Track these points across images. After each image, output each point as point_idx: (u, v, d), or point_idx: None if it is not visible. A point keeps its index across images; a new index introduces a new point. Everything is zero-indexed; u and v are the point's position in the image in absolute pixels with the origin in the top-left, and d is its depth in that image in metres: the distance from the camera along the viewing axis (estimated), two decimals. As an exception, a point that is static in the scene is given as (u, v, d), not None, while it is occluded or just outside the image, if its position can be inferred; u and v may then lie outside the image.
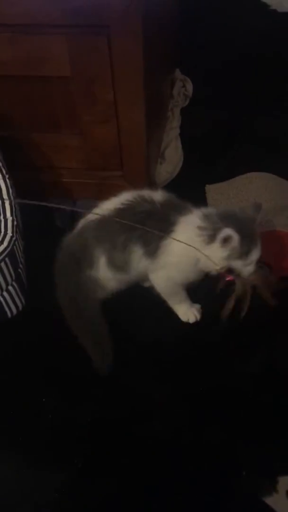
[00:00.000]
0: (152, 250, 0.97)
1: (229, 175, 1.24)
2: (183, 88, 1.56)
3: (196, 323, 1.09)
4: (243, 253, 0.92)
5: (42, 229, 1.23)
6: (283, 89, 1.58)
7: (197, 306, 1.09)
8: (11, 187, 1.05)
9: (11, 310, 1.04)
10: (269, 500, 0.88)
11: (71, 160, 1.17)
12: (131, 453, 0.93)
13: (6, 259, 0.96)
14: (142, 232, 0.94)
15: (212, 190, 1.24)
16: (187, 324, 1.08)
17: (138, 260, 0.99)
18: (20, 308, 1.06)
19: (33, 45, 0.99)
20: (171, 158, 1.38)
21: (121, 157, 1.15)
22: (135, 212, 0.96)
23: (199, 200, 1.22)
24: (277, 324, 1.09)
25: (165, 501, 0.89)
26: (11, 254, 0.97)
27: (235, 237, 0.90)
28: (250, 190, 1.16)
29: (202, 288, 1.09)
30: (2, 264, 0.96)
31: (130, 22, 0.94)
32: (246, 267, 0.95)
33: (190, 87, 1.57)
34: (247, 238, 0.92)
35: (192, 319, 1.08)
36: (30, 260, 1.10)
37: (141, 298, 1.10)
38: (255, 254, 0.94)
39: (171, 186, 1.30)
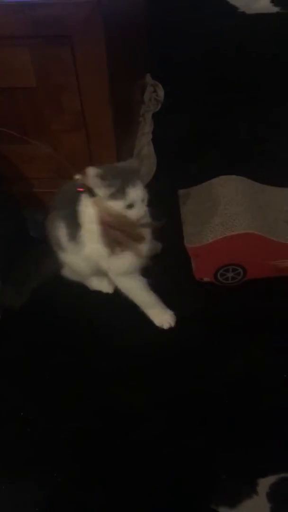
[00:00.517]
0: (73, 235, 1.03)
1: (202, 179, 1.25)
2: (154, 93, 1.56)
3: (171, 328, 1.09)
4: (118, 192, 0.95)
5: (16, 240, 1.22)
6: (254, 92, 1.59)
7: (170, 312, 1.10)
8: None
9: (-15, 323, 1.04)
10: (250, 503, 0.88)
11: (42, 170, 1.16)
12: (111, 464, 0.93)
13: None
14: (67, 213, 1.02)
15: (184, 195, 1.24)
16: (162, 329, 1.09)
17: (64, 239, 1.05)
18: (-5, 321, 1.05)
19: (-4, 56, 0.99)
20: (144, 164, 1.38)
21: (91, 165, 1.15)
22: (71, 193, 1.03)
23: (172, 205, 1.23)
24: (253, 329, 1.09)
25: (146, 508, 0.89)
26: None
27: (90, 171, 0.94)
28: (222, 193, 1.16)
29: (178, 294, 1.11)
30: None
31: (93, 31, 0.94)
32: (132, 211, 0.97)
33: (161, 92, 1.57)
34: (120, 179, 0.95)
35: (166, 325, 1.09)
36: (4, 271, 1.09)
37: (115, 304, 1.10)
38: (133, 193, 0.96)
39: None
